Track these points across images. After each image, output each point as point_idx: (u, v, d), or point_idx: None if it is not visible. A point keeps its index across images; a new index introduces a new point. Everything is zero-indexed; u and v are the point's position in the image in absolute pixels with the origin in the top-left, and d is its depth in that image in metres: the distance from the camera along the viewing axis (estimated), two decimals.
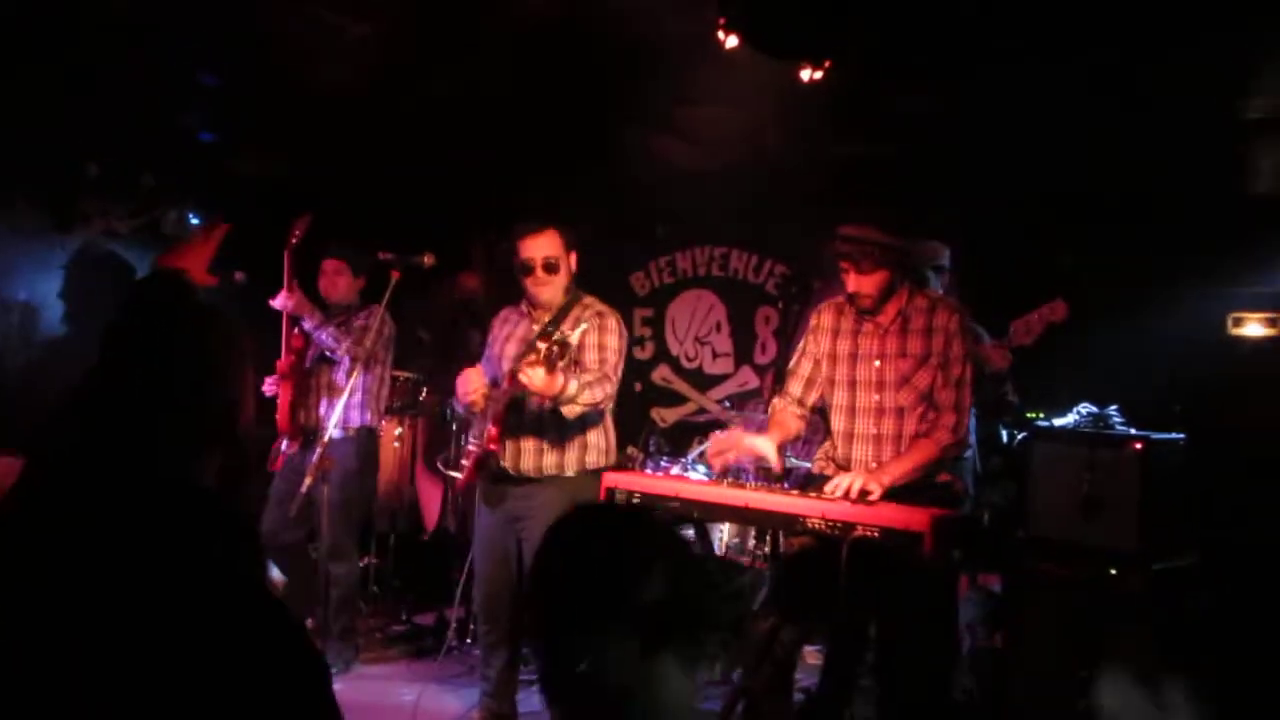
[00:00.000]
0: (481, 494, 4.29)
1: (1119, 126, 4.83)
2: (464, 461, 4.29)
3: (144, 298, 1.90)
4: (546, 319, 4.15)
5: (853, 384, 3.75)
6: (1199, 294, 4.95)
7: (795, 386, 3.89)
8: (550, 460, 4.11)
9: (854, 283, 3.63)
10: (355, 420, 5.21)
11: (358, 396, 5.17)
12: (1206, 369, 4.78)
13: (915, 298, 3.72)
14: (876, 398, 3.69)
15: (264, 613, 1.51)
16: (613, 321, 4.16)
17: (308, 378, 5.23)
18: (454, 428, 5.79)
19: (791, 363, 3.95)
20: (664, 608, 1.45)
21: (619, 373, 4.12)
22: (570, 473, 4.13)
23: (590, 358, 4.06)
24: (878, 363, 3.69)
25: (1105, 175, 4.99)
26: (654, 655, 1.44)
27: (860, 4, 4.67)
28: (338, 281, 5.30)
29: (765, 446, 3.77)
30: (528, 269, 4.12)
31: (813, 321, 3.90)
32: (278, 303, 5.04)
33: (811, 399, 3.87)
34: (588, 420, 4.10)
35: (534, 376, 3.73)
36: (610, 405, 4.15)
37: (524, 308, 4.31)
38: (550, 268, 4.11)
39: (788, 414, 3.89)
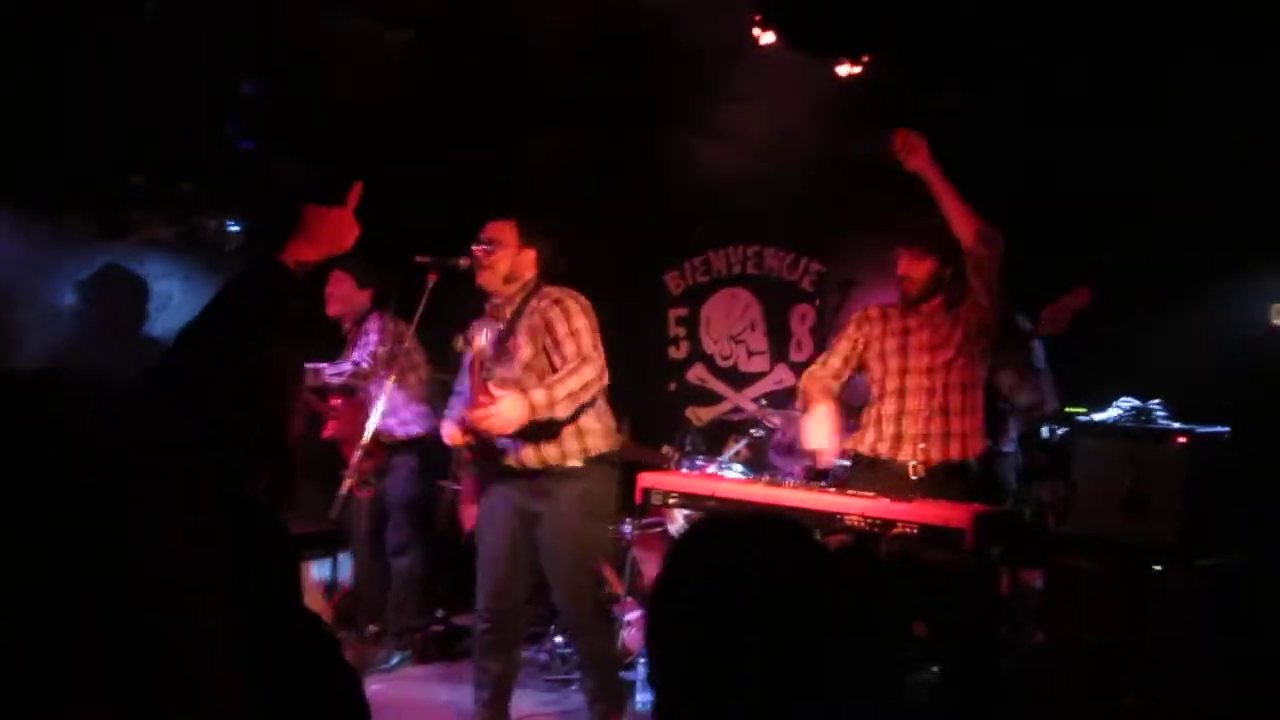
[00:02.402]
0: (487, 490, 4.12)
1: (1157, 119, 4.77)
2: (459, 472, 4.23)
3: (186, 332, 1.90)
4: (509, 313, 4.02)
5: (903, 371, 3.93)
6: (1242, 285, 4.87)
7: (835, 360, 4.08)
8: (551, 451, 3.92)
9: (904, 265, 3.90)
10: (416, 432, 5.35)
11: (404, 410, 5.26)
12: (1251, 360, 4.70)
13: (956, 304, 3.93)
14: (926, 381, 3.88)
15: (295, 624, 1.56)
16: (573, 303, 3.96)
17: (362, 406, 5.33)
18: None
19: (833, 339, 4.15)
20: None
21: (598, 348, 3.92)
22: (576, 463, 3.95)
23: (569, 349, 3.89)
24: (925, 354, 3.89)
25: (1144, 167, 4.91)
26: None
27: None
28: (333, 291, 5.35)
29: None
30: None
31: (858, 315, 4.10)
32: None
33: (846, 375, 4.06)
34: (579, 407, 3.91)
35: (503, 413, 3.70)
36: (601, 386, 3.94)
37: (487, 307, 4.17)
38: (483, 245, 3.98)
39: (826, 381, 4.03)
